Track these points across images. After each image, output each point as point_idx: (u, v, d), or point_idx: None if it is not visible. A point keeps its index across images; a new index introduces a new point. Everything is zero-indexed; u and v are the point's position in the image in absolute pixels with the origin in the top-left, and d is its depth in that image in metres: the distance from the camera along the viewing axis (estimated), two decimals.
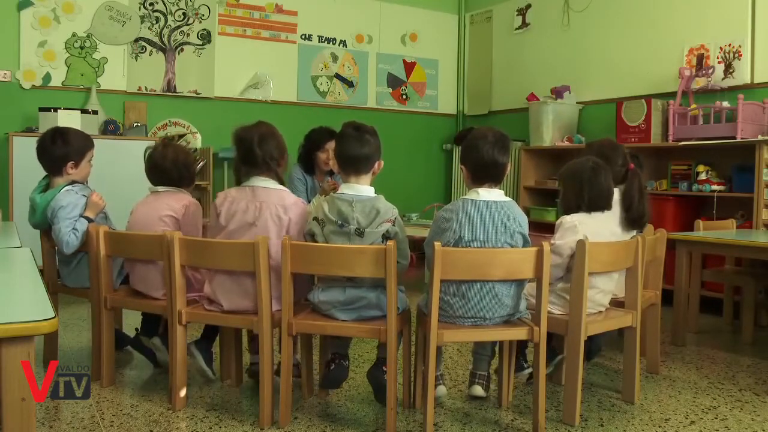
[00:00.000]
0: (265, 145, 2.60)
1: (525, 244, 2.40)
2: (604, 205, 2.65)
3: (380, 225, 2.40)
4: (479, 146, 2.41)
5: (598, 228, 2.59)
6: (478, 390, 2.62)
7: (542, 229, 5.26)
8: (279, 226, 2.54)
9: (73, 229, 2.92)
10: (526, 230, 2.41)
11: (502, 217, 2.36)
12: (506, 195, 2.45)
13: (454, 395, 2.74)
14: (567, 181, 2.71)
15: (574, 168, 2.70)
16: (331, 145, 4.16)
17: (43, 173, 3.14)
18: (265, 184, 2.60)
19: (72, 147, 3.06)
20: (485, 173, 2.42)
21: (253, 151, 2.58)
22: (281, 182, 2.64)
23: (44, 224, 3.05)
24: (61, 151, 3.04)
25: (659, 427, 2.46)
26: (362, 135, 2.49)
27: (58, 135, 3.08)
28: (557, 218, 2.69)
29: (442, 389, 2.67)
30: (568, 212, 2.66)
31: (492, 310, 2.36)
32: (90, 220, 2.95)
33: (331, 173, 4.27)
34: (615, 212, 2.79)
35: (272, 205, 2.55)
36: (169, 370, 2.62)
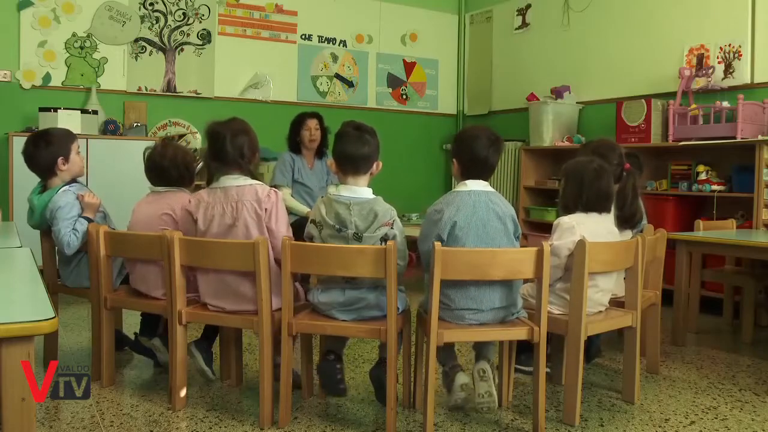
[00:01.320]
0: (238, 142, 2.59)
1: (515, 228, 2.46)
2: (602, 208, 2.65)
3: (378, 229, 2.40)
4: (474, 144, 2.48)
5: (596, 227, 2.59)
6: (484, 365, 2.44)
7: (542, 229, 5.27)
8: (258, 222, 2.54)
9: (73, 229, 2.92)
10: (514, 214, 2.49)
11: (491, 203, 2.43)
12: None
13: None
14: (569, 179, 2.71)
15: (578, 167, 2.70)
16: (311, 122, 4.42)
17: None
18: (236, 182, 2.59)
19: (55, 145, 3.05)
20: (476, 170, 2.49)
21: (225, 147, 2.58)
22: (254, 178, 2.64)
23: (43, 225, 3.05)
24: (46, 153, 3.03)
25: (659, 427, 2.46)
26: (362, 134, 2.48)
27: (39, 138, 3.07)
28: (557, 217, 2.69)
29: (462, 376, 2.46)
30: (566, 209, 2.67)
31: (491, 300, 2.38)
32: (89, 220, 2.95)
33: (318, 153, 4.47)
34: (611, 211, 2.79)
35: (247, 202, 2.55)
36: (169, 370, 2.62)
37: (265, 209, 2.55)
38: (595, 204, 2.64)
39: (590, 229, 2.55)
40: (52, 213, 2.94)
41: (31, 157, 3.06)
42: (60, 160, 3.04)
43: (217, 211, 2.58)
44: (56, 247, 3.03)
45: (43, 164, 3.05)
